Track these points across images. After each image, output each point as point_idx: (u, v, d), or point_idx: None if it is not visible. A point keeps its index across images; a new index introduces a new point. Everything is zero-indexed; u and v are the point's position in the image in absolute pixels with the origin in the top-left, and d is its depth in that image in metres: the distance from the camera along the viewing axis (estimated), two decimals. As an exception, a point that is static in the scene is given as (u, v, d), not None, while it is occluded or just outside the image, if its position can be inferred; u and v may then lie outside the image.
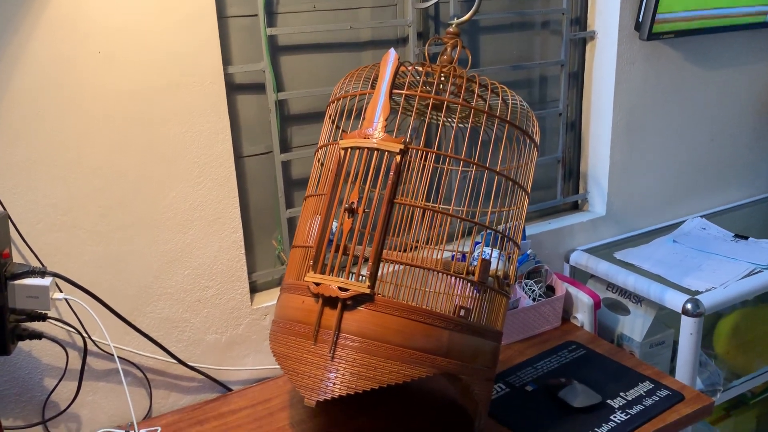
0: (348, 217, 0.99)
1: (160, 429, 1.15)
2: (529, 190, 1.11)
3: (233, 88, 1.23)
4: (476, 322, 1.02)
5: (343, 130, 1.14)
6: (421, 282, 1.21)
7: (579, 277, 1.62)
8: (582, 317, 1.47)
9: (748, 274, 1.45)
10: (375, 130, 1.01)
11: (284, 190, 1.31)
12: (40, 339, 1.02)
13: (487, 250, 1.15)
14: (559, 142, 1.63)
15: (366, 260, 0.98)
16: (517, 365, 1.32)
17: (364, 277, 0.96)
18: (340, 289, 0.95)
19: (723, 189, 1.89)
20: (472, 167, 1.07)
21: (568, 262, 1.62)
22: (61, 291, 1.06)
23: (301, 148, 1.33)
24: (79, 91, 1.04)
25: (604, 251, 1.62)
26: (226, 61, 1.20)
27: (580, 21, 1.60)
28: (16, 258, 1.05)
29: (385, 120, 1.02)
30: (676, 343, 1.53)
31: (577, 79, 1.65)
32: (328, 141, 1.12)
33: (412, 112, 1.22)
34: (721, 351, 1.72)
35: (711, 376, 1.47)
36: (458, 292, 1.17)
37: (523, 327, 1.42)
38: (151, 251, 1.15)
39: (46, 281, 0.97)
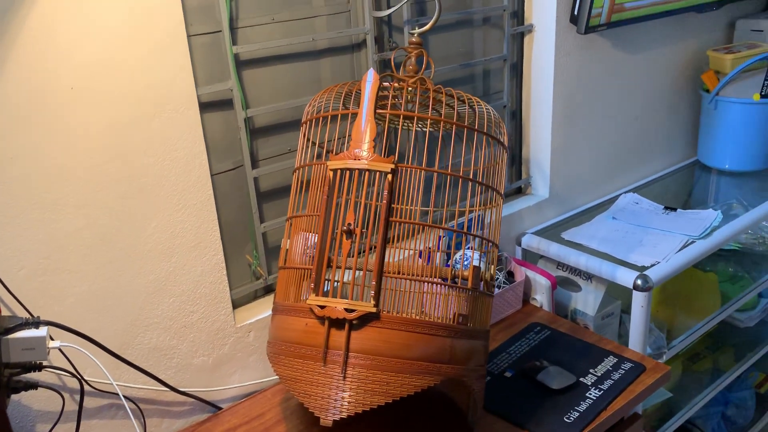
0: (346, 239, 1.02)
1: (161, 459, 1.15)
2: (502, 190, 1.18)
3: (200, 107, 1.20)
4: (471, 326, 1.08)
5: (325, 149, 1.16)
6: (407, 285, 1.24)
7: (530, 258, 1.72)
8: (540, 298, 1.57)
9: (684, 246, 1.59)
10: (363, 151, 1.03)
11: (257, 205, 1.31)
12: (36, 389, 0.99)
13: (468, 253, 1.21)
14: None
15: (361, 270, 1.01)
16: (492, 352, 1.41)
17: (368, 291, 1.00)
18: (347, 310, 0.98)
19: (647, 162, 2.04)
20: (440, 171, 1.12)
21: (519, 245, 1.72)
22: (52, 338, 1.02)
23: (269, 160, 1.33)
24: (54, 127, 0.99)
25: (552, 232, 1.73)
26: (195, 82, 1.17)
27: (518, 15, 1.67)
28: (-1, 307, 1.01)
29: (372, 141, 1.04)
30: (623, 313, 1.66)
31: (516, 71, 1.72)
32: (307, 160, 1.13)
33: (383, 121, 1.25)
34: (651, 308, 1.89)
35: (656, 340, 1.62)
36: (438, 291, 1.22)
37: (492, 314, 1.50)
38: (136, 284, 1.13)
39: (42, 332, 0.94)
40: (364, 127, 1.05)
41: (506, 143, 1.17)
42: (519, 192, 1.83)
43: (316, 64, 1.36)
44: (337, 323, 0.99)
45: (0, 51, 0.93)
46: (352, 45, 1.40)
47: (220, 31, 1.20)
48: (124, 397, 1.16)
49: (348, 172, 1.03)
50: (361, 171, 1.03)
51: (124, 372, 1.15)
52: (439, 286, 1.09)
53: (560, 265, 1.66)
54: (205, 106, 1.21)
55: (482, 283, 1.13)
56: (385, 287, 1.21)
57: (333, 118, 1.10)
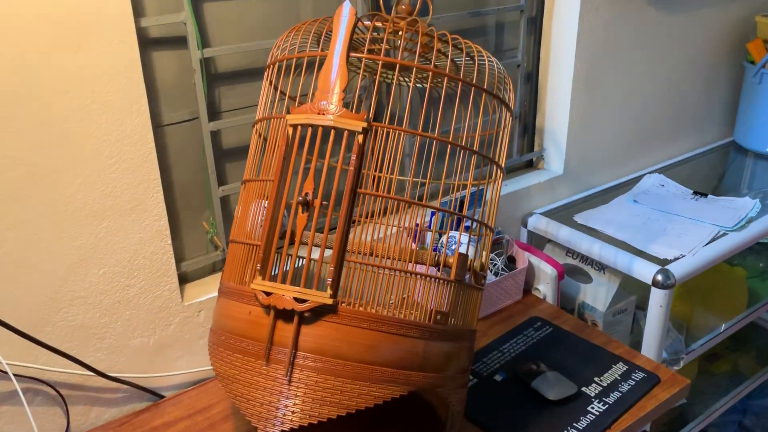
0: (302, 212, 0.82)
1: (81, 456, 0.98)
2: (503, 163, 0.97)
3: (147, 43, 1.01)
4: (453, 325, 0.89)
5: (289, 96, 0.95)
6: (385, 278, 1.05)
7: (537, 242, 1.52)
8: (544, 289, 1.38)
9: (713, 239, 1.38)
10: (330, 104, 0.83)
11: (215, 164, 1.11)
12: None
13: (457, 236, 1.01)
14: (516, 96, 1.49)
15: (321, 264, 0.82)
16: (483, 349, 1.22)
17: (325, 280, 0.81)
18: (297, 300, 0.80)
19: (677, 140, 1.82)
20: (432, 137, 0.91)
21: (525, 226, 1.52)
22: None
23: (231, 112, 1.13)
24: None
25: (563, 213, 1.52)
26: (138, 12, 0.97)
27: (540, -40, 1.44)
28: None
29: (343, 91, 0.84)
30: (637, 309, 1.46)
31: (535, 25, 1.50)
32: (270, 111, 0.94)
33: (360, 70, 1.05)
34: (673, 309, 1.69)
35: (674, 344, 1.42)
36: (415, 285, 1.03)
37: (485, 304, 1.31)
38: (57, 250, 0.95)
39: None
40: (334, 75, 0.84)
41: (512, 105, 0.97)
42: (530, 166, 1.62)
43: (294, 6, 1.15)
44: (284, 315, 0.80)
45: None
46: (340, -18, 1.19)
47: (175, -48, 0.99)
48: (40, 381, 0.99)
49: (310, 128, 0.83)
50: (325, 128, 0.83)
51: (43, 352, 0.98)
52: (414, 277, 0.89)
53: (569, 251, 1.46)
54: (155, 43, 1.01)
55: (470, 274, 0.93)
56: (349, 275, 1.02)
57: (302, 62, 0.90)
